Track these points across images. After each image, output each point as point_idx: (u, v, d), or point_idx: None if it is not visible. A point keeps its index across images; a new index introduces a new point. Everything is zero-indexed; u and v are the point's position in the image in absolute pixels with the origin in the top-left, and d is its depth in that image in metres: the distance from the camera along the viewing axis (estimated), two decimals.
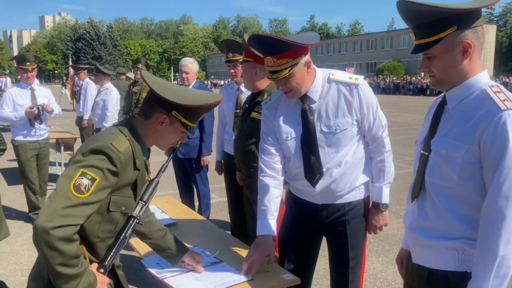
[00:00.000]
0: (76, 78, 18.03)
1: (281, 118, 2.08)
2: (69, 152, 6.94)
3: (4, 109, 4.67)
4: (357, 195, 2.10)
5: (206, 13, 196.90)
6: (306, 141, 2.01)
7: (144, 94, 7.32)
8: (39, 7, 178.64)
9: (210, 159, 4.30)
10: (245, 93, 3.44)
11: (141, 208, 1.61)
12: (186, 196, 4.46)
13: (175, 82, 70.67)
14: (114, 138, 1.46)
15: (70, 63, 20.10)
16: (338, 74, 2.01)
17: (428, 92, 34.15)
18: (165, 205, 2.97)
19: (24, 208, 5.27)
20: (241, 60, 3.02)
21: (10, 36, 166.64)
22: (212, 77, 69.42)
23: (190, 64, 4.22)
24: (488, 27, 50.34)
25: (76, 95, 18.78)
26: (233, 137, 3.38)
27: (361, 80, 1.98)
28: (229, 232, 3.57)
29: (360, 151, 2.07)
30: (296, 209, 2.21)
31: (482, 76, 1.42)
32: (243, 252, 2.14)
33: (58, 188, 1.35)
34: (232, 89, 3.63)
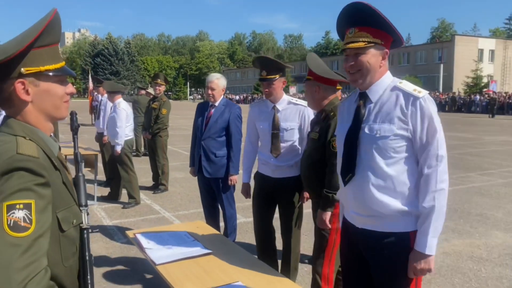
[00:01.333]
0: (95, 93, 18.25)
1: (343, 114, 2.07)
2: (89, 168, 6.82)
3: None
4: (401, 225, 1.85)
5: (222, 29, 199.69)
6: (349, 137, 1.94)
7: (164, 110, 7.23)
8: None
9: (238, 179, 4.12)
10: (282, 112, 3.29)
11: (87, 215, 1.34)
12: (211, 216, 4.26)
13: (191, 97, 71.42)
14: (14, 145, 1.13)
15: (90, 78, 20.29)
16: (405, 84, 1.89)
17: (447, 108, 33.65)
18: (196, 231, 2.78)
19: None
20: (305, 79, 3.00)
21: None
22: (227, 92, 69.82)
23: (217, 80, 4.04)
24: (508, 42, 49.68)
25: (94, 109, 19.02)
26: (271, 158, 3.27)
27: (424, 94, 1.82)
28: (256, 256, 3.36)
29: (412, 175, 1.85)
30: (346, 236, 2.09)
31: None
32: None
33: None
34: (266, 108, 3.40)
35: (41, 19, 1.21)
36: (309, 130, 3.13)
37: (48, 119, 1.27)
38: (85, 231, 1.31)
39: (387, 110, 1.85)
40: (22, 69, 1.17)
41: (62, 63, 1.27)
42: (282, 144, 3.24)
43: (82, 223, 1.30)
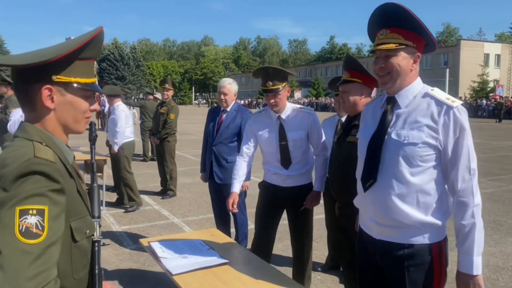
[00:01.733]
0: (102, 98, 18.31)
1: (368, 116, 2.01)
2: (99, 174, 6.80)
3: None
4: (421, 237, 1.78)
5: (227, 34, 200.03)
6: (374, 141, 1.85)
7: (172, 115, 7.20)
8: (65, 29, 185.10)
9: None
10: (287, 122, 3.11)
11: (99, 227, 1.31)
12: (223, 223, 4.21)
13: (196, 102, 71.66)
14: (30, 149, 1.10)
15: (97, 82, 20.34)
16: (437, 91, 1.81)
17: None
18: (210, 239, 2.72)
19: None
20: (342, 81, 2.76)
21: None
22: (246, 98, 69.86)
23: (229, 85, 4.01)
24: None
25: (101, 114, 19.09)
26: (282, 170, 3.13)
27: (458, 104, 1.73)
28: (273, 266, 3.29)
29: (437, 185, 1.77)
30: (362, 246, 2.02)
31: None
32: None
33: (3, 247, 0.97)
34: (269, 118, 3.19)
35: (85, 33, 1.22)
36: (336, 135, 3.12)
37: (65, 130, 1.25)
38: (96, 244, 1.28)
39: (417, 117, 1.77)
40: (53, 76, 1.16)
41: (94, 79, 1.26)
42: (292, 154, 3.13)
43: (93, 235, 1.27)
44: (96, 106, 1.30)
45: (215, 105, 4.33)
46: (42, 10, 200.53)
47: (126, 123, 6.21)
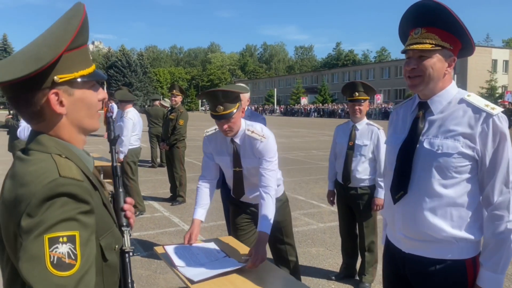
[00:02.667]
0: (110, 104, 18.40)
1: (397, 122, 1.89)
2: (109, 180, 6.78)
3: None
4: (456, 252, 1.67)
5: (233, 41, 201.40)
6: (405, 150, 1.74)
7: (181, 121, 7.18)
8: None
9: None
10: (242, 146, 2.75)
11: (129, 236, 1.20)
12: None
13: (203, 108, 71.86)
14: (53, 165, 0.98)
15: (105, 89, 20.48)
16: (475, 97, 1.69)
17: None
18: (226, 246, 2.67)
19: None
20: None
21: None
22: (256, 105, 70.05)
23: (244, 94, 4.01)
24: None
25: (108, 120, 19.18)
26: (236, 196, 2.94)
27: (498, 111, 1.61)
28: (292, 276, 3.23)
29: (472, 198, 1.66)
30: (390, 259, 1.91)
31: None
32: None
33: (31, 282, 0.87)
34: (224, 140, 2.85)
35: (69, 16, 1.05)
36: (350, 140, 3.06)
37: (81, 131, 1.12)
38: (126, 255, 1.18)
39: (452, 125, 1.65)
40: (55, 77, 1.01)
41: (93, 66, 1.12)
42: (247, 181, 2.85)
43: (123, 246, 1.17)
44: (104, 94, 1.17)
45: None
46: (50, 19, 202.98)
47: (133, 130, 6.19)
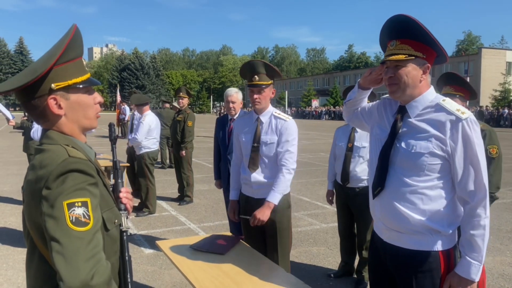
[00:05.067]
0: (122, 107, 18.69)
1: (381, 118, 2.03)
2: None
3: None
4: (430, 244, 1.82)
5: (245, 44, 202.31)
6: (385, 149, 1.91)
7: (189, 122, 7.35)
8: (88, 39, 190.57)
9: None
10: (265, 124, 3.01)
11: (126, 218, 1.44)
12: (237, 229, 4.29)
13: (214, 110, 72.26)
14: (63, 151, 1.24)
15: (118, 92, 20.78)
16: (449, 102, 1.83)
17: None
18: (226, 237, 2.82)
19: None
20: (445, 94, 3.02)
21: None
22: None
23: (236, 94, 4.30)
24: None
25: (121, 122, 19.49)
26: (248, 175, 3.00)
27: (468, 115, 1.75)
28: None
29: (445, 194, 1.82)
30: (374, 249, 2.08)
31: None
32: None
33: (57, 237, 1.12)
34: (250, 120, 3.11)
35: (63, 36, 1.30)
36: (349, 142, 3.22)
37: (81, 130, 1.37)
38: (124, 233, 1.42)
39: (426, 127, 1.80)
40: (52, 85, 1.25)
41: (88, 75, 1.35)
42: (262, 159, 2.99)
43: (121, 225, 1.41)
44: (100, 98, 1.41)
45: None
46: (65, 21, 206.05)
47: (149, 134, 6.36)
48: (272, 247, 3.00)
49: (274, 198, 2.82)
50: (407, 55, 1.79)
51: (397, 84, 1.84)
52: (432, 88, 1.90)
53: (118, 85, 25.60)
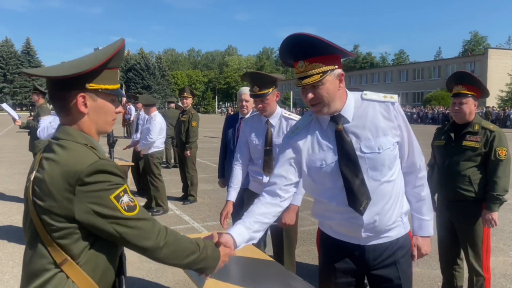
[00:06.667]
0: (128, 107, 18.79)
1: (310, 146, 1.89)
2: None
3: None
4: (402, 229, 1.94)
5: (250, 44, 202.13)
6: (347, 164, 1.79)
7: (194, 123, 7.40)
8: (94, 39, 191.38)
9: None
10: (276, 127, 3.09)
11: None
12: None
13: (219, 110, 72.44)
14: (91, 153, 1.33)
15: (124, 92, 20.91)
16: (371, 94, 1.88)
17: None
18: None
19: None
20: (459, 93, 3.10)
21: None
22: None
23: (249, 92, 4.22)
24: None
25: (126, 122, 19.60)
26: (261, 176, 3.05)
27: (396, 98, 1.87)
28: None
29: (401, 176, 1.93)
30: (335, 256, 1.97)
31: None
32: None
33: (121, 231, 1.31)
34: (259, 123, 3.19)
35: (110, 45, 1.41)
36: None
37: (97, 131, 1.45)
38: None
39: (372, 123, 1.81)
40: (86, 84, 1.34)
41: (118, 85, 1.45)
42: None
43: None
44: (120, 108, 1.50)
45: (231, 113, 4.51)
46: (71, 22, 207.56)
47: (160, 134, 6.47)
48: (278, 246, 3.05)
49: (297, 200, 2.92)
50: (321, 74, 1.72)
51: (321, 103, 1.79)
52: (348, 91, 1.88)
53: (124, 86, 25.68)
